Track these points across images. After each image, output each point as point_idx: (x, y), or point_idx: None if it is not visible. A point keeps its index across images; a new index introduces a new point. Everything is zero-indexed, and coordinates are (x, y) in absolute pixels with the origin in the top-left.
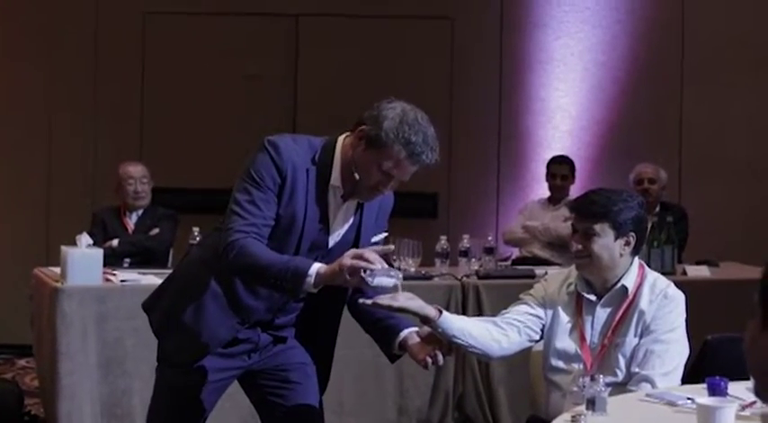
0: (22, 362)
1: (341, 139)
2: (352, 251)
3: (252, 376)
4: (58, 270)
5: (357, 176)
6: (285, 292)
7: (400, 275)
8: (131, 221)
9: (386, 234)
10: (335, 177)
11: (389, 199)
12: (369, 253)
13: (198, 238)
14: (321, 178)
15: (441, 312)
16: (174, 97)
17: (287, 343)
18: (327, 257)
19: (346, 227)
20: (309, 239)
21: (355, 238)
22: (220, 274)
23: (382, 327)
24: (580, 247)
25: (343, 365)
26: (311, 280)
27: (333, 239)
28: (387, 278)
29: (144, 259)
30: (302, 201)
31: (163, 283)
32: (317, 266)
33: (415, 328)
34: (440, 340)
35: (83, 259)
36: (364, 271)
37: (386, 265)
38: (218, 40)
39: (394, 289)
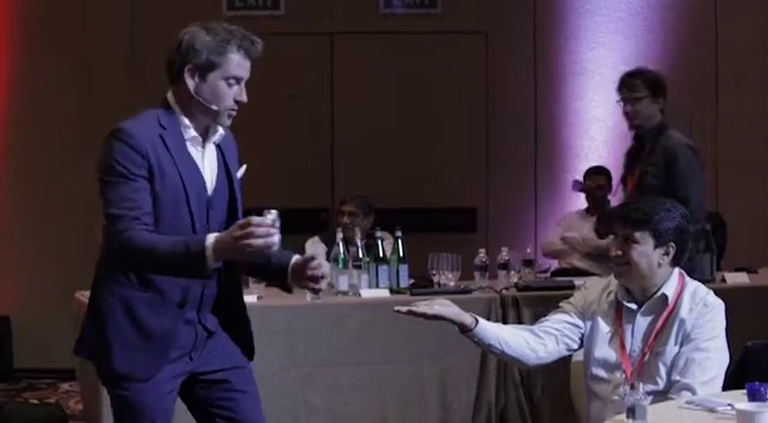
0: (66, 386)
1: (169, 96)
2: (238, 229)
3: (191, 385)
4: None
5: (214, 107)
6: (194, 276)
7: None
8: None
9: (245, 166)
10: (188, 127)
11: (229, 135)
12: (256, 229)
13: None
14: (177, 138)
15: (477, 321)
16: None
17: (217, 336)
18: (215, 211)
19: (216, 171)
20: (195, 197)
21: (227, 178)
22: (128, 273)
23: (272, 269)
24: (619, 252)
25: (384, 380)
26: (210, 253)
27: (210, 187)
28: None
29: None
30: (173, 168)
31: (83, 323)
32: (211, 239)
33: (297, 256)
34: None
35: None
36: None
37: (274, 229)
38: (253, 61)
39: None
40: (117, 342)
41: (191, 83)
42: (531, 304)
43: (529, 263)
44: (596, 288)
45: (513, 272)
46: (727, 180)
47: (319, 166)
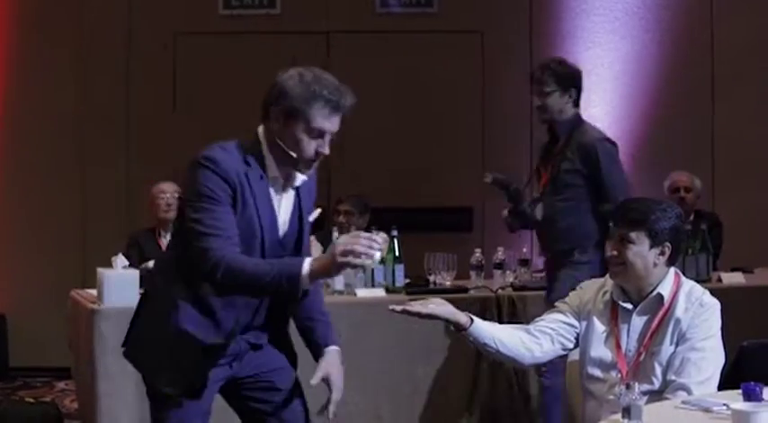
0: (61, 384)
1: (260, 131)
2: (341, 244)
3: (235, 386)
4: (94, 292)
5: (293, 154)
6: (284, 296)
7: (381, 242)
8: (166, 241)
9: (319, 210)
10: (272, 168)
11: (312, 177)
12: (358, 243)
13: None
14: (259, 177)
15: (472, 320)
16: (206, 117)
17: (263, 349)
18: (284, 251)
19: (290, 213)
20: (268, 238)
21: (299, 222)
22: (190, 295)
23: (310, 339)
24: (615, 253)
25: (379, 380)
26: (306, 279)
27: (282, 230)
28: (380, 254)
29: None
30: (252, 204)
31: (135, 327)
32: (308, 264)
33: (335, 348)
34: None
35: (119, 281)
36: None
37: (378, 244)
38: (248, 60)
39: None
40: (164, 358)
41: (275, 125)
42: (527, 304)
43: (525, 262)
44: (592, 288)
45: (508, 271)
46: (723, 180)
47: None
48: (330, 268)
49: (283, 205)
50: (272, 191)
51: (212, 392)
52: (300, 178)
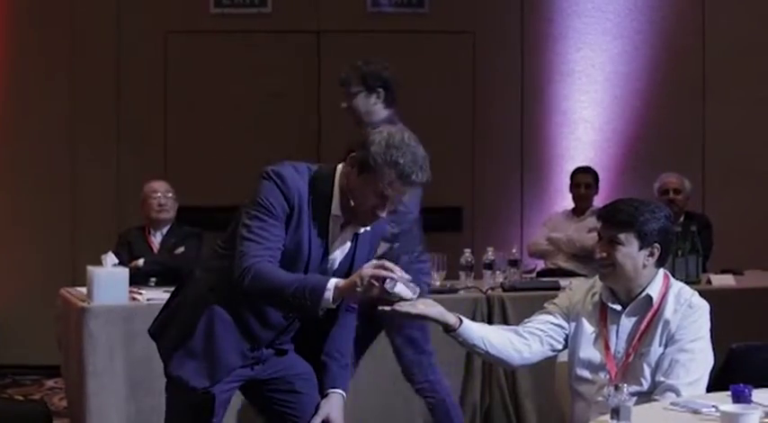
0: (51, 382)
1: (339, 167)
2: (372, 263)
3: (257, 386)
4: (84, 290)
5: (352, 203)
6: (304, 310)
7: (418, 290)
8: (156, 240)
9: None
10: (335, 206)
11: (382, 227)
12: (388, 263)
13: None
14: (322, 207)
15: (461, 321)
16: (198, 116)
17: (287, 354)
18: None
19: (342, 256)
20: (313, 268)
21: (349, 267)
22: (230, 301)
23: (320, 376)
24: (604, 254)
25: (369, 381)
26: (330, 294)
27: (330, 265)
28: (406, 289)
29: (170, 278)
30: (306, 229)
31: (169, 310)
32: (334, 281)
33: (340, 393)
34: None
35: (109, 279)
36: (385, 280)
37: (406, 276)
38: (239, 59)
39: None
40: (187, 347)
41: (349, 171)
42: (516, 304)
43: (514, 263)
44: (581, 289)
45: (498, 272)
46: (713, 182)
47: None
48: (355, 284)
49: (338, 244)
50: (330, 226)
51: (232, 391)
52: (365, 229)
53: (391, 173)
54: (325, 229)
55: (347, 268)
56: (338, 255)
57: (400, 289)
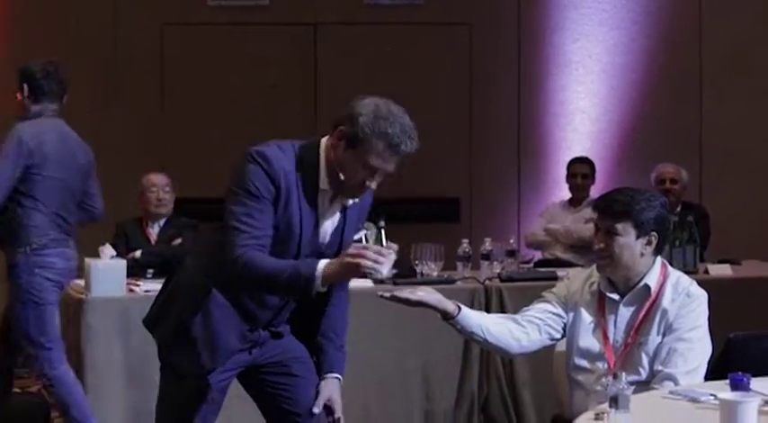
0: None
1: (323, 141)
2: (352, 249)
3: (253, 371)
4: (81, 282)
5: (342, 176)
6: (296, 295)
7: (393, 255)
8: (154, 232)
9: (364, 231)
10: (324, 180)
11: (368, 198)
12: (367, 252)
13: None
14: (310, 182)
15: (460, 308)
16: (195, 108)
17: (283, 337)
18: (324, 257)
19: (332, 228)
20: (306, 244)
21: (340, 241)
22: (225, 284)
23: (317, 359)
24: (602, 245)
25: (367, 371)
26: (319, 282)
27: (323, 244)
28: (386, 269)
29: (167, 270)
30: (296, 207)
31: (163, 299)
32: (321, 268)
33: (338, 377)
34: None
35: (106, 270)
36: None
37: (385, 259)
38: (236, 51)
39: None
40: (185, 333)
41: (336, 144)
42: (514, 295)
43: (512, 253)
44: (579, 278)
45: (495, 262)
46: (710, 172)
47: None
48: (340, 271)
49: (328, 217)
50: (319, 201)
51: (230, 379)
52: (353, 201)
53: (380, 143)
54: (314, 205)
55: (338, 242)
56: (329, 228)
57: (382, 274)
